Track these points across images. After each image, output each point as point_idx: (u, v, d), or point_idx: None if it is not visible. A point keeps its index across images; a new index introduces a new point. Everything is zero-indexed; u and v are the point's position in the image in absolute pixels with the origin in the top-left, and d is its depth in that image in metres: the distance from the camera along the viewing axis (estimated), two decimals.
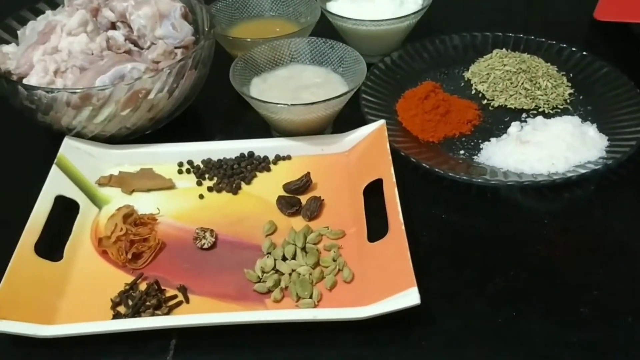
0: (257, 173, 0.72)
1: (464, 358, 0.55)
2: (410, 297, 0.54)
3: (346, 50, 0.77)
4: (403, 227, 0.59)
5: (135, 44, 0.77)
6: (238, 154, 0.73)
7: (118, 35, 0.76)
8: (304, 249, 0.62)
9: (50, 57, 0.73)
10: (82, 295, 0.59)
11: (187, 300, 0.59)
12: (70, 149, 0.71)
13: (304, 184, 0.69)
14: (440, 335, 0.56)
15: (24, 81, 0.72)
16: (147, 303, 0.57)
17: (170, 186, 0.71)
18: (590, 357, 0.55)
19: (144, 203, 0.68)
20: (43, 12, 0.80)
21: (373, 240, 0.62)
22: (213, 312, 0.56)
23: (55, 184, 0.67)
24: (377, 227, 0.63)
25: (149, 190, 0.70)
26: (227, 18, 0.89)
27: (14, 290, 0.56)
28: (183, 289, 0.59)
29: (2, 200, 0.72)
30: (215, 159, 0.73)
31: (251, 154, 0.73)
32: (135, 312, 0.57)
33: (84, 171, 0.70)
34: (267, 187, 0.70)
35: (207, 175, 0.72)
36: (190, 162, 0.73)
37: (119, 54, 0.74)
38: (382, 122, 0.72)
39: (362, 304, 0.56)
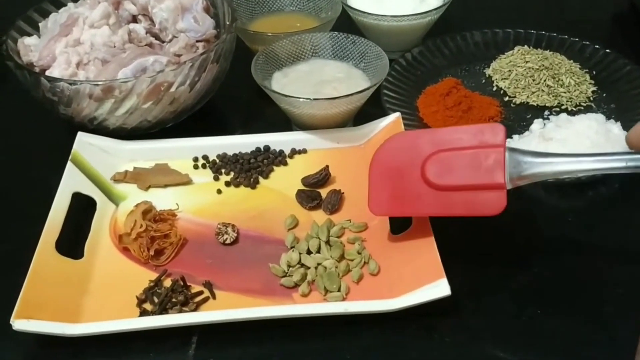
0: (274, 167, 0.72)
1: (487, 355, 0.54)
2: (440, 288, 0.54)
3: (368, 45, 0.76)
4: (428, 218, 0.59)
5: (157, 37, 0.77)
6: (253, 148, 0.73)
7: (139, 28, 0.76)
8: (328, 242, 0.62)
9: (72, 49, 0.73)
10: (106, 293, 0.59)
11: (214, 296, 0.58)
12: (83, 145, 0.70)
13: (323, 177, 0.69)
14: (464, 331, 0.56)
15: (47, 73, 0.72)
16: (174, 300, 0.57)
17: (187, 181, 0.70)
18: (615, 355, 0.54)
19: (161, 199, 0.68)
20: (65, 5, 0.80)
21: (397, 233, 0.62)
22: (241, 307, 0.56)
23: (71, 181, 0.66)
24: (399, 220, 0.63)
25: (165, 185, 0.70)
26: (247, 12, 0.89)
27: (38, 289, 0.56)
28: (209, 285, 0.59)
29: (23, 194, 0.72)
30: (230, 153, 0.73)
31: (267, 147, 0.73)
32: (163, 309, 0.56)
33: (98, 167, 0.69)
34: (285, 181, 0.70)
35: (223, 170, 0.71)
36: (205, 157, 0.73)
37: (141, 46, 0.74)
38: (397, 114, 0.72)
39: (390, 296, 0.56)
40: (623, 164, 0.53)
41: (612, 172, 0.53)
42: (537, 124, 0.75)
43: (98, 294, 0.59)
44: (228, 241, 0.63)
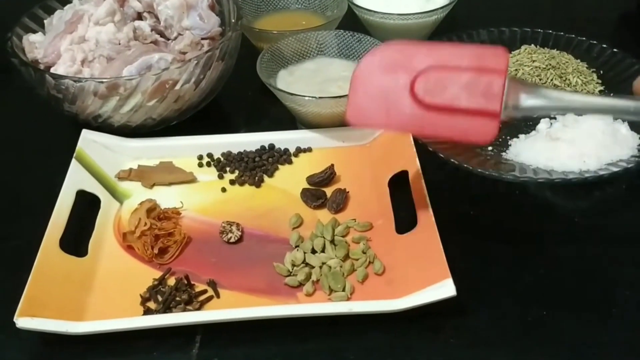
0: (279, 165, 0.71)
1: (493, 356, 0.54)
2: (445, 288, 0.53)
3: (374, 43, 0.76)
4: (433, 218, 0.59)
5: (162, 34, 0.77)
6: (258, 147, 0.73)
7: (145, 25, 0.76)
8: (332, 241, 0.62)
9: (77, 46, 0.73)
10: (110, 291, 0.58)
11: (218, 295, 0.58)
12: (88, 143, 0.70)
13: (328, 176, 0.68)
14: (469, 332, 0.55)
15: (52, 70, 0.72)
16: (178, 298, 0.57)
17: (191, 180, 0.70)
18: (622, 357, 0.54)
19: (165, 197, 0.67)
20: (70, 1, 0.80)
21: (402, 232, 0.61)
22: (245, 307, 0.55)
23: (75, 179, 0.66)
24: (404, 220, 0.62)
25: (170, 184, 0.69)
26: (252, 10, 0.89)
27: (42, 287, 0.55)
28: (213, 284, 0.59)
29: (27, 191, 0.72)
30: (235, 151, 0.72)
31: (272, 146, 0.73)
32: (167, 308, 0.56)
33: (103, 165, 0.69)
34: (289, 179, 0.70)
35: (228, 168, 0.71)
36: (210, 155, 0.72)
37: (146, 44, 0.74)
38: None
39: (395, 296, 0.55)
40: (631, 104, 0.50)
41: (615, 115, 0.50)
42: (543, 123, 0.74)
43: (102, 292, 0.58)
44: (232, 240, 0.63)
